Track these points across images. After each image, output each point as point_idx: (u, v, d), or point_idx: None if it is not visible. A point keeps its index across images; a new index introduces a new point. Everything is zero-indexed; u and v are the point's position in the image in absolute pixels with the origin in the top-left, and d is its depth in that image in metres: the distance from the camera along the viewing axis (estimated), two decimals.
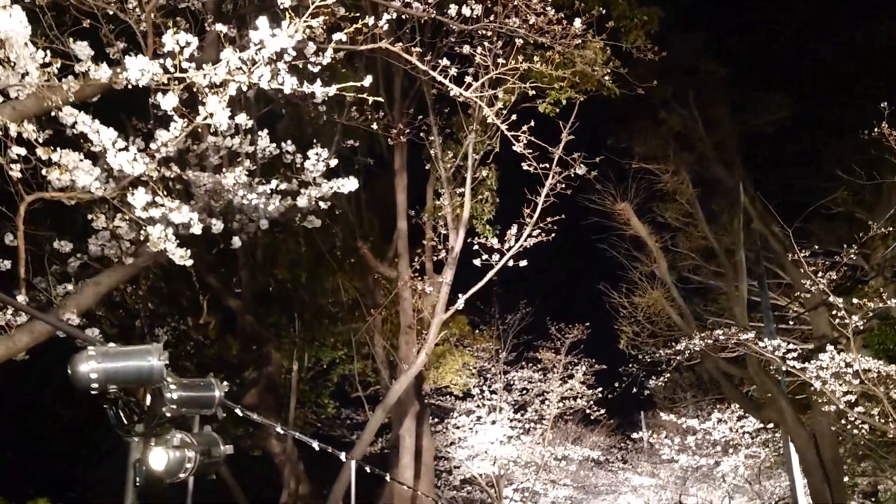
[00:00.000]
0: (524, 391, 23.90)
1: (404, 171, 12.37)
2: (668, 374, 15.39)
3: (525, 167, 7.78)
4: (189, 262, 4.70)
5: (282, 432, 5.05)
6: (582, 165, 8.21)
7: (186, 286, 21.41)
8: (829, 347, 12.43)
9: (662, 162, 16.29)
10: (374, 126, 9.07)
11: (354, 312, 22.01)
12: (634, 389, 15.85)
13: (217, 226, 5.46)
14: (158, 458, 3.40)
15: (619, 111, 18.52)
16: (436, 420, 22.96)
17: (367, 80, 4.71)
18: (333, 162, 6.37)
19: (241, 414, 4.44)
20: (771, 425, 21.87)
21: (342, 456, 6.26)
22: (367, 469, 7.63)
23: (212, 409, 3.70)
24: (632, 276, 17.62)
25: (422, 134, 11.14)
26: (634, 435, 26.63)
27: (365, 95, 4.72)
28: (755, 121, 16.18)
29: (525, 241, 9.59)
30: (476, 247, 9.83)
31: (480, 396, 23.38)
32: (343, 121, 8.62)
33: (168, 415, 3.52)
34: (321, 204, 6.62)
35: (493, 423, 22.78)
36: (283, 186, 6.19)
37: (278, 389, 12.59)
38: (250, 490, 13.99)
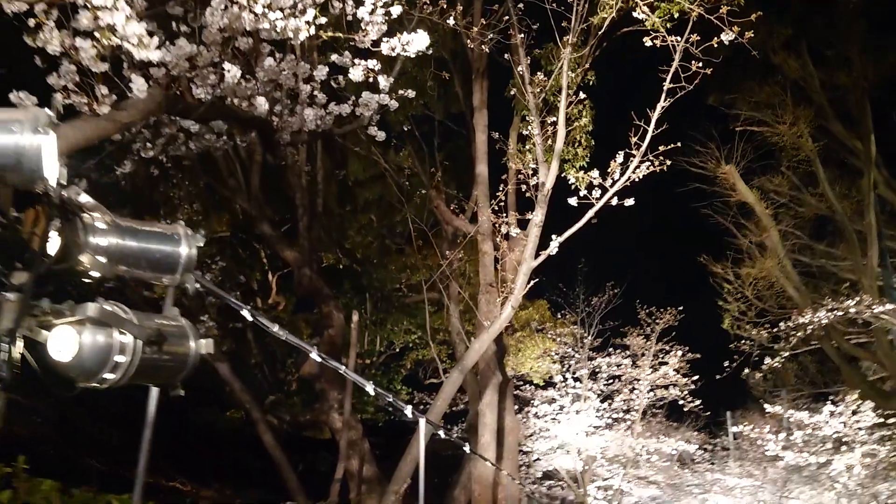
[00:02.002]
0: (611, 380, 22.12)
1: (484, 109, 10.84)
2: (787, 354, 13.38)
3: (649, 42, 6.10)
4: (153, 54, 3.20)
5: (318, 359, 3.50)
6: (730, 31, 6.47)
7: (255, 260, 20.37)
8: None
9: (778, 113, 14.29)
10: (452, 21, 7.51)
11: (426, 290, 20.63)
12: (746, 370, 13.89)
13: (232, 71, 4.00)
14: (62, 341, 1.89)
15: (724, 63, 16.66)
16: (515, 408, 21.34)
17: None
18: (397, 10, 4.80)
19: (250, 319, 2.91)
20: (892, 420, 19.56)
21: (407, 410, 4.76)
22: (441, 434, 6.12)
23: (174, 274, 2.17)
24: (738, 245, 15.67)
25: (506, 55, 9.52)
26: (734, 429, 24.46)
27: None
28: (886, 65, 14.03)
29: (633, 172, 7.89)
30: (572, 181, 8.17)
31: (563, 384, 21.65)
32: (416, 13, 7.06)
33: (94, 274, 2.02)
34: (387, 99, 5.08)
35: (578, 412, 21.02)
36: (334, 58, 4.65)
37: (341, 355, 11.13)
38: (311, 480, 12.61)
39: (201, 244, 2.22)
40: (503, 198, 9.93)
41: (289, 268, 13.56)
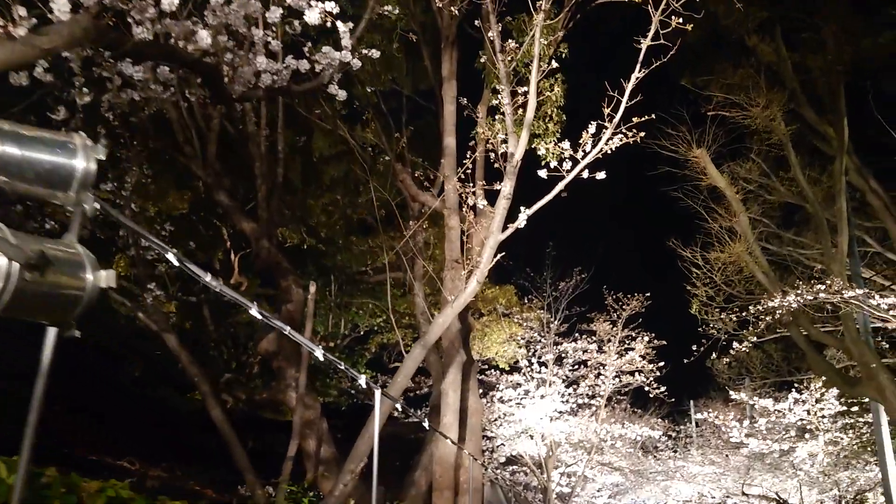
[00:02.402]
0: (576, 366, 21.99)
1: (454, 80, 10.47)
2: (755, 339, 13.23)
3: None
4: None
5: (258, 315, 3.13)
6: None
7: (218, 239, 19.84)
8: None
9: (752, 96, 14.09)
10: None
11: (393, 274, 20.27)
12: (714, 354, 13.73)
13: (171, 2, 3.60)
14: None
15: (698, 47, 16.53)
16: (479, 392, 21.12)
17: None
18: None
19: (177, 263, 2.55)
20: (855, 408, 19.65)
21: (361, 380, 4.42)
22: (399, 407, 5.80)
23: (68, 191, 1.82)
24: (708, 228, 15.49)
25: (476, 22, 9.15)
26: (698, 416, 24.51)
27: None
28: (862, 49, 13.86)
29: (606, 143, 7.59)
30: (542, 153, 7.84)
31: (529, 369, 21.46)
32: None
33: None
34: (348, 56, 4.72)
35: (543, 397, 20.84)
36: None
37: (301, 330, 10.70)
38: (271, 461, 12.22)
39: (102, 157, 1.86)
40: (470, 165, 9.55)
41: (251, 247, 13.11)
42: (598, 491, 28.75)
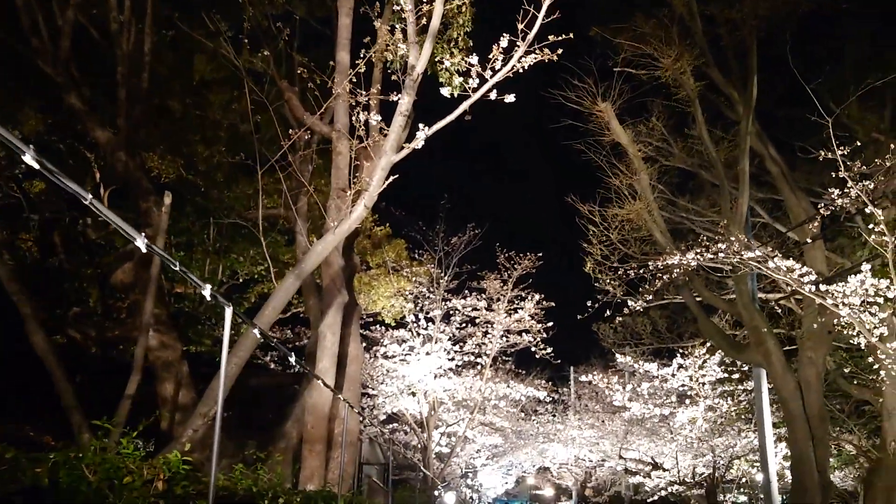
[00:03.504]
0: (464, 324, 21.42)
1: None
2: (649, 298, 12.82)
3: None
4: None
5: (35, 164, 2.10)
6: None
7: (87, 170, 18.02)
8: (866, 267, 10.00)
9: (662, 48, 13.55)
10: None
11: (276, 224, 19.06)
12: (608, 312, 13.26)
13: None
14: None
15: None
16: (363, 346, 20.25)
17: None
18: None
19: None
20: (736, 376, 19.83)
21: (206, 290, 3.45)
22: (257, 333, 4.81)
23: None
24: (608, 183, 15.02)
25: None
26: (582, 378, 24.41)
27: None
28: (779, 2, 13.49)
29: (519, 60, 6.72)
30: (447, 66, 6.91)
31: (416, 325, 20.75)
32: None
33: None
34: None
35: (428, 354, 20.19)
36: None
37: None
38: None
39: None
40: (363, 67, 8.41)
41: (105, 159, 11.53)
42: (477, 452, 28.59)
